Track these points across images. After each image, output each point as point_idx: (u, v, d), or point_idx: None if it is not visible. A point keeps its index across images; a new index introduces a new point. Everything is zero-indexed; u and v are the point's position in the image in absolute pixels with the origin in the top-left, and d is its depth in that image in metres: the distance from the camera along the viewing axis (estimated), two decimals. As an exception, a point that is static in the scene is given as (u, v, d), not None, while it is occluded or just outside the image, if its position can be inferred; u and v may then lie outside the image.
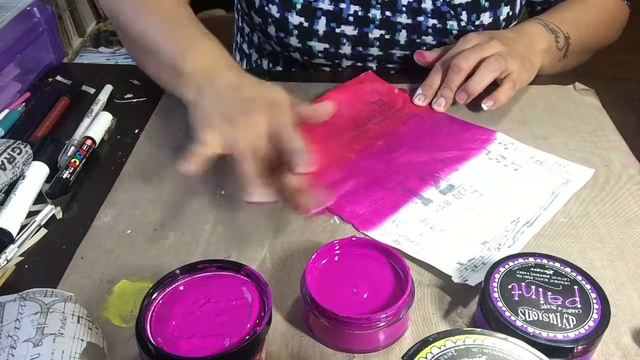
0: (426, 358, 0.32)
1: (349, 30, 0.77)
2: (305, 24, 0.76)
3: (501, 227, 0.56)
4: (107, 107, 0.75)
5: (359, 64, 0.81)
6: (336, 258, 0.48)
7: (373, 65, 0.82)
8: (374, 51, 0.79)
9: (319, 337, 0.46)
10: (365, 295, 0.45)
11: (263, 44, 0.86)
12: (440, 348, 0.33)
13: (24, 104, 0.76)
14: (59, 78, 0.81)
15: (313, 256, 0.47)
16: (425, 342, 0.33)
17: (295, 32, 0.77)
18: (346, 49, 0.79)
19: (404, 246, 0.54)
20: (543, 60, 0.74)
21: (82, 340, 0.41)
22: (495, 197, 0.59)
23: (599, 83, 0.77)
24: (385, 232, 0.55)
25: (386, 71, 0.82)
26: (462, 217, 0.57)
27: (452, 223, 0.56)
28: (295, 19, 0.76)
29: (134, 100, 0.77)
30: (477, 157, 0.65)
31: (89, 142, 0.66)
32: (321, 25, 0.76)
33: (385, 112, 0.71)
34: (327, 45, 0.78)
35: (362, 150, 0.64)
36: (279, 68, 0.87)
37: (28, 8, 0.77)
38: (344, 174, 0.61)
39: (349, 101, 0.71)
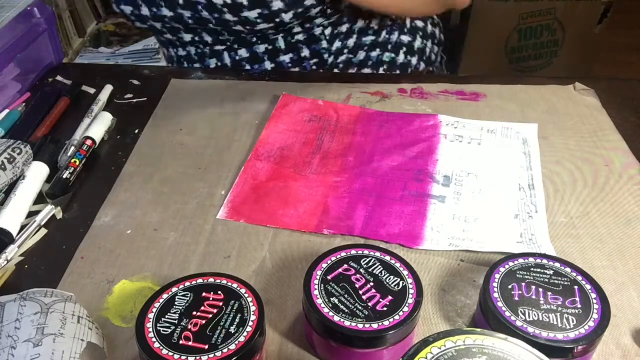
0: (426, 358, 0.32)
1: None
2: None
3: (515, 197, 0.60)
4: (107, 107, 0.75)
5: (168, 26, 0.81)
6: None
7: (179, 25, 0.80)
8: (165, 11, 0.78)
9: (322, 355, 0.46)
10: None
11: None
12: (440, 348, 0.33)
13: (24, 104, 0.76)
14: (59, 78, 0.81)
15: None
16: (425, 342, 0.33)
17: None
18: (145, 11, 0.79)
19: (462, 245, 0.54)
20: None
21: (82, 340, 0.41)
22: (487, 173, 0.63)
23: (599, 83, 0.77)
24: (434, 241, 0.55)
25: (199, 37, 0.82)
26: (480, 201, 0.59)
27: (477, 209, 0.58)
28: None
29: (134, 100, 0.77)
30: (441, 143, 0.67)
31: (89, 142, 0.66)
32: None
33: (328, 127, 0.70)
34: (130, 8, 0.80)
35: (341, 172, 0.63)
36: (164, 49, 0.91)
37: (28, 8, 0.77)
38: (347, 200, 0.60)
39: (287, 128, 0.70)
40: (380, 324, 0.42)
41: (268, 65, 0.84)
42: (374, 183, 0.61)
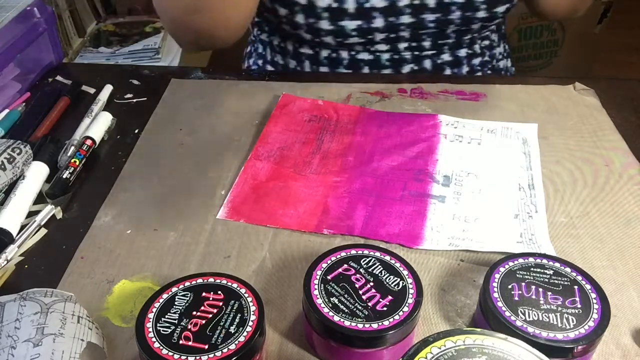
0: (426, 358, 0.32)
1: (378, 1, 0.76)
2: (335, 5, 0.76)
3: (516, 197, 0.60)
4: (107, 107, 0.75)
5: (392, 35, 0.80)
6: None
7: (405, 34, 0.80)
8: (406, 19, 0.78)
9: (322, 355, 0.46)
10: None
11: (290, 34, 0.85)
12: (440, 348, 0.33)
13: (24, 104, 0.76)
14: (59, 78, 0.81)
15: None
16: (425, 342, 0.33)
17: (326, 14, 0.77)
18: (378, 22, 0.78)
19: (462, 245, 0.54)
20: None
21: (82, 340, 0.41)
22: (487, 173, 0.63)
23: (599, 83, 0.77)
24: (434, 241, 0.55)
25: (418, 38, 0.81)
26: (480, 201, 0.59)
27: (477, 209, 0.58)
28: (323, 2, 0.75)
29: (134, 100, 0.77)
30: (441, 143, 0.67)
31: (89, 142, 0.66)
32: (350, 2, 0.76)
33: (328, 127, 0.70)
34: (359, 22, 0.77)
35: (341, 172, 0.63)
36: (305, 47, 0.86)
37: (28, 8, 0.77)
38: (347, 200, 0.60)
39: (287, 128, 0.70)
40: (380, 324, 0.42)
41: (464, 69, 0.86)
42: (374, 183, 0.61)
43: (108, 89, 0.77)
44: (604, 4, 1.65)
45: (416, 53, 0.83)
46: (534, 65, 1.74)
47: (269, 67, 0.91)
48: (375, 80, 0.79)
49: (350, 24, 0.77)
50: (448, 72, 0.85)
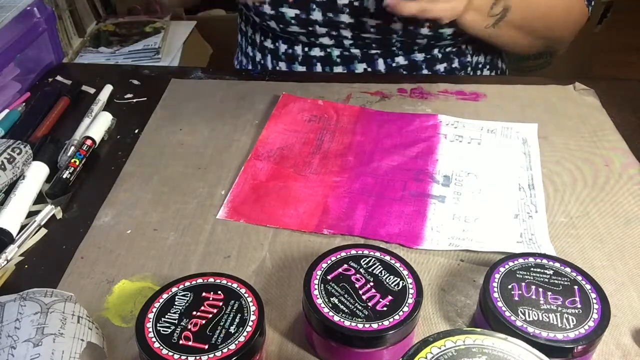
0: (426, 358, 0.32)
1: None
2: None
3: (515, 197, 0.60)
4: (107, 107, 0.75)
5: (334, 33, 0.80)
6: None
7: (347, 33, 0.80)
8: (345, 18, 0.78)
9: (322, 355, 0.46)
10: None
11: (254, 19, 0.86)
12: (440, 348, 0.33)
13: (24, 104, 0.76)
14: (59, 78, 0.81)
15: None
16: (425, 342, 0.33)
17: None
18: (317, 15, 0.78)
19: (462, 245, 0.54)
20: (466, 15, 0.72)
21: (82, 340, 0.41)
22: (487, 173, 0.63)
23: (599, 83, 0.77)
24: (434, 241, 0.55)
25: (362, 40, 0.81)
26: (480, 201, 0.59)
27: (477, 209, 0.58)
28: None
29: (134, 100, 0.77)
30: (441, 143, 0.67)
31: (89, 142, 0.66)
32: None
33: (328, 127, 0.70)
34: (297, 11, 0.78)
35: (341, 172, 0.63)
36: (268, 41, 0.87)
37: (28, 8, 0.77)
38: (347, 200, 0.59)
39: (287, 129, 0.70)
40: (380, 324, 0.42)
41: (425, 73, 0.85)
42: (374, 183, 0.61)
43: (108, 89, 0.77)
44: (604, 4, 1.65)
45: (365, 50, 0.82)
46: (534, 65, 1.74)
47: (244, 60, 0.92)
48: (375, 80, 0.79)
49: (289, 12, 0.78)
50: (405, 73, 0.84)
